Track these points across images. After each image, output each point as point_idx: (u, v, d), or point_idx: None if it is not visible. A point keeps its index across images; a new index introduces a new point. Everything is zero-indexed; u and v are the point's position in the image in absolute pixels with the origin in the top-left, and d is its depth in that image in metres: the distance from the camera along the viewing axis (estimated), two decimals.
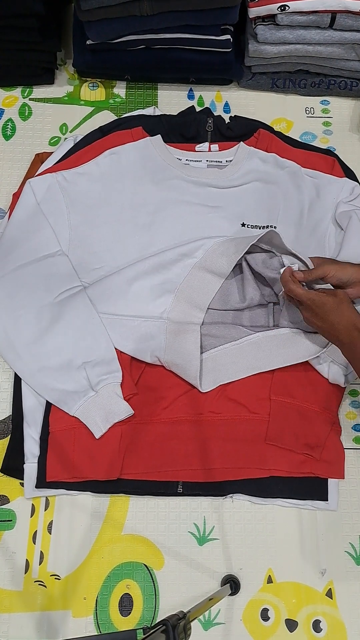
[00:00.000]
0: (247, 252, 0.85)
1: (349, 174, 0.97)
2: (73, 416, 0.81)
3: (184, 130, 0.96)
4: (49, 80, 1.07)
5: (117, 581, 0.80)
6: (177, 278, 0.85)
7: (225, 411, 0.83)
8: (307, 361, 0.84)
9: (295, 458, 0.82)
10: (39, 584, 0.80)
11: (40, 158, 0.99)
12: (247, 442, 0.82)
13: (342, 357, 0.78)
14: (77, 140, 0.97)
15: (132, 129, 0.95)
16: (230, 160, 0.94)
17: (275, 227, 0.89)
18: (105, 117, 1.06)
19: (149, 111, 1.01)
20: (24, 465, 0.82)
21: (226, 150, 0.95)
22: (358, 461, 0.86)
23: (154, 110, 1.01)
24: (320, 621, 0.79)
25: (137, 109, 1.04)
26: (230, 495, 0.83)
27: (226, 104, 1.08)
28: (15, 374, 0.86)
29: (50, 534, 0.82)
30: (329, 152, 0.99)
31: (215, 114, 1.00)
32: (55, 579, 0.80)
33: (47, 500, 0.83)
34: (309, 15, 0.93)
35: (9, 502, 0.83)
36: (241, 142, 0.94)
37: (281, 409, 0.83)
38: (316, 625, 0.79)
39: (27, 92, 1.08)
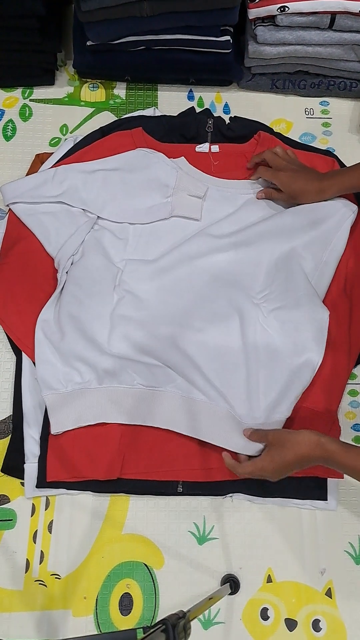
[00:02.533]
0: None
1: None
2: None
3: (184, 130, 0.97)
4: (50, 81, 1.08)
5: (117, 580, 0.81)
6: None
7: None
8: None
9: None
10: (40, 584, 0.80)
11: (40, 159, 0.99)
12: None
13: None
14: (77, 141, 0.97)
15: (132, 130, 0.95)
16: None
17: None
18: (106, 118, 1.06)
19: (149, 112, 1.02)
20: (25, 465, 0.82)
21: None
22: None
23: (154, 111, 1.02)
24: (320, 620, 0.79)
25: (138, 109, 1.04)
26: (230, 495, 0.83)
27: (226, 105, 1.08)
28: (16, 374, 0.87)
29: (51, 533, 0.82)
30: (328, 153, 0.99)
31: (215, 114, 1.00)
32: (56, 578, 0.80)
33: (47, 499, 0.84)
34: (309, 16, 0.93)
35: (9, 501, 0.84)
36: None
37: None
38: (316, 625, 0.79)
39: (27, 93, 1.08)
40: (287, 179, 0.87)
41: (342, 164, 0.97)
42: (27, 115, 1.06)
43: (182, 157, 0.93)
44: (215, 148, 0.96)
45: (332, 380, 0.85)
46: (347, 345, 0.86)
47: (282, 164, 0.88)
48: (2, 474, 0.84)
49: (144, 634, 0.50)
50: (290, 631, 0.79)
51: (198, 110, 1.01)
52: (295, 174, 0.87)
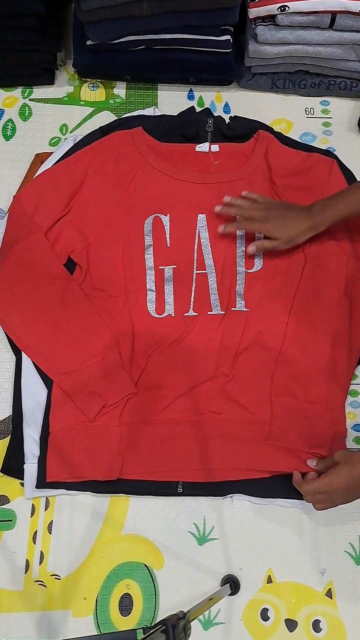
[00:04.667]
0: None
1: (348, 174, 0.97)
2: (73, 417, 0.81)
3: (184, 130, 0.97)
4: (49, 80, 1.08)
5: (117, 581, 0.80)
6: None
7: (225, 412, 0.84)
8: (307, 363, 0.84)
9: (298, 459, 0.81)
10: (39, 584, 0.80)
11: (40, 158, 0.99)
12: (248, 443, 0.82)
13: None
14: (77, 140, 0.97)
15: (132, 129, 0.95)
16: None
17: None
18: (106, 118, 1.06)
19: (149, 111, 1.01)
20: (24, 466, 0.82)
21: None
22: None
23: (154, 111, 1.02)
24: (320, 621, 0.79)
25: (137, 109, 1.04)
26: (230, 495, 0.83)
27: (226, 105, 1.08)
28: (15, 374, 0.87)
29: (51, 534, 0.82)
30: (328, 153, 0.99)
31: (215, 114, 1.00)
32: (56, 578, 0.80)
33: (47, 500, 0.84)
34: (309, 15, 0.93)
35: (9, 502, 0.83)
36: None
37: (283, 409, 0.83)
38: (316, 625, 0.79)
39: (27, 92, 1.08)
40: (278, 228, 0.83)
41: (342, 164, 0.97)
42: (26, 114, 1.06)
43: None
44: (215, 147, 0.96)
45: (333, 380, 0.85)
46: (347, 344, 0.86)
47: (264, 213, 0.84)
48: (2, 474, 0.84)
49: (144, 634, 0.50)
50: (291, 632, 0.79)
51: (198, 109, 1.00)
52: (283, 220, 0.83)
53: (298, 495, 0.82)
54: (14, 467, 0.83)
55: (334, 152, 1.01)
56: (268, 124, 1.02)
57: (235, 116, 0.99)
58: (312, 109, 1.09)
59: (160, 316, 0.89)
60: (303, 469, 0.80)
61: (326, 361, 0.85)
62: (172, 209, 0.92)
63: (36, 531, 0.82)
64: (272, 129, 1.00)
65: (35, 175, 0.94)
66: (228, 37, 0.96)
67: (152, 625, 0.51)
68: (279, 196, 0.93)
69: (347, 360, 0.86)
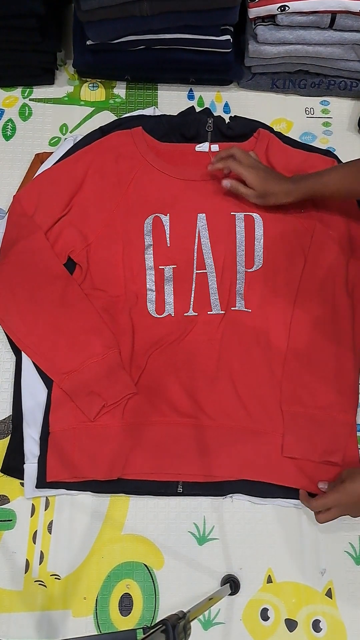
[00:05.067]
0: None
1: None
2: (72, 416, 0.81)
3: (184, 130, 0.97)
4: (49, 80, 1.08)
5: (117, 581, 0.80)
6: None
7: (226, 412, 0.83)
8: (313, 367, 0.84)
9: (310, 479, 0.81)
10: (39, 584, 0.80)
11: (40, 158, 0.99)
12: (256, 455, 0.82)
13: None
14: (77, 140, 0.97)
15: (132, 129, 0.95)
16: None
17: None
18: (106, 118, 1.06)
19: (149, 111, 1.01)
20: (24, 465, 0.82)
21: None
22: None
23: (154, 111, 1.02)
24: (320, 621, 0.79)
25: (137, 109, 1.04)
26: (230, 495, 0.83)
27: (226, 105, 1.08)
28: (15, 374, 0.87)
29: (51, 533, 0.82)
30: (328, 153, 0.99)
31: (215, 114, 1.00)
32: (56, 578, 0.80)
33: (47, 500, 0.84)
34: (309, 15, 0.93)
35: (9, 502, 0.83)
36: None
37: (294, 419, 0.82)
38: (316, 625, 0.79)
39: (27, 92, 1.08)
40: (260, 178, 0.88)
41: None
42: (26, 114, 1.06)
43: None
44: (215, 147, 0.96)
45: (340, 381, 0.84)
46: (352, 344, 0.86)
47: (254, 163, 0.89)
48: (2, 474, 0.84)
49: (144, 634, 0.50)
50: (291, 632, 0.79)
51: (198, 109, 1.00)
52: (265, 175, 0.88)
53: (298, 496, 0.82)
54: (14, 467, 0.83)
55: (334, 152, 1.01)
56: (268, 124, 1.02)
57: (235, 116, 0.99)
58: (312, 109, 1.09)
59: (160, 316, 0.89)
60: (313, 489, 0.80)
61: (332, 363, 0.85)
62: (172, 209, 0.92)
63: (36, 531, 0.82)
64: (272, 128, 1.00)
65: (35, 175, 0.95)
66: (228, 37, 0.96)
67: (152, 625, 0.51)
68: None
69: (353, 360, 0.85)
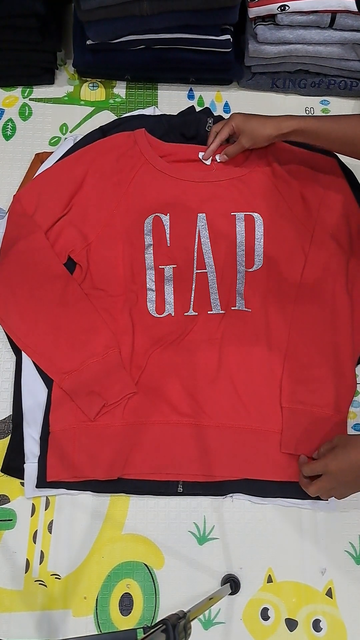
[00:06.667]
0: None
1: (348, 174, 0.97)
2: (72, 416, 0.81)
3: (184, 129, 0.97)
4: (49, 80, 1.08)
5: (117, 580, 0.80)
6: None
7: (226, 412, 0.84)
8: (312, 365, 0.84)
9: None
10: (40, 584, 0.80)
11: (40, 158, 0.99)
12: (255, 453, 0.82)
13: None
14: (77, 140, 0.97)
15: (135, 131, 0.95)
16: None
17: None
18: (106, 117, 1.06)
19: (149, 111, 1.01)
20: (24, 465, 0.82)
21: None
22: None
23: (154, 110, 1.02)
24: (320, 620, 0.79)
25: (137, 109, 1.04)
26: (230, 495, 0.83)
27: (226, 104, 1.08)
28: (15, 374, 0.87)
29: (51, 533, 0.82)
30: (328, 153, 0.99)
31: (216, 114, 1.00)
32: (56, 578, 0.80)
33: (47, 499, 0.84)
34: (309, 15, 0.93)
35: (9, 501, 0.84)
36: None
37: (293, 416, 0.83)
38: (316, 625, 0.79)
39: (27, 92, 1.08)
40: (242, 118, 0.89)
41: (342, 164, 0.97)
42: (26, 114, 1.06)
43: None
44: (219, 157, 0.96)
45: (339, 380, 0.84)
46: (351, 343, 0.86)
47: (231, 115, 0.91)
48: (2, 474, 0.84)
49: (144, 634, 0.50)
50: (291, 631, 0.79)
51: (198, 109, 1.00)
52: (248, 115, 0.89)
53: (298, 495, 0.82)
54: (14, 466, 0.83)
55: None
56: None
57: None
58: (312, 109, 1.09)
59: (161, 316, 0.89)
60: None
61: (331, 362, 0.85)
62: (172, 209, 0.92)
63: (36, 531, 0.82)
64: None
65: (36, 175, 0.95)
66: (228, 36, 0.96)
67: (153, 624, 0.51)
68: (279, 193, 0.93)
69: (352, 359, 0.85)
